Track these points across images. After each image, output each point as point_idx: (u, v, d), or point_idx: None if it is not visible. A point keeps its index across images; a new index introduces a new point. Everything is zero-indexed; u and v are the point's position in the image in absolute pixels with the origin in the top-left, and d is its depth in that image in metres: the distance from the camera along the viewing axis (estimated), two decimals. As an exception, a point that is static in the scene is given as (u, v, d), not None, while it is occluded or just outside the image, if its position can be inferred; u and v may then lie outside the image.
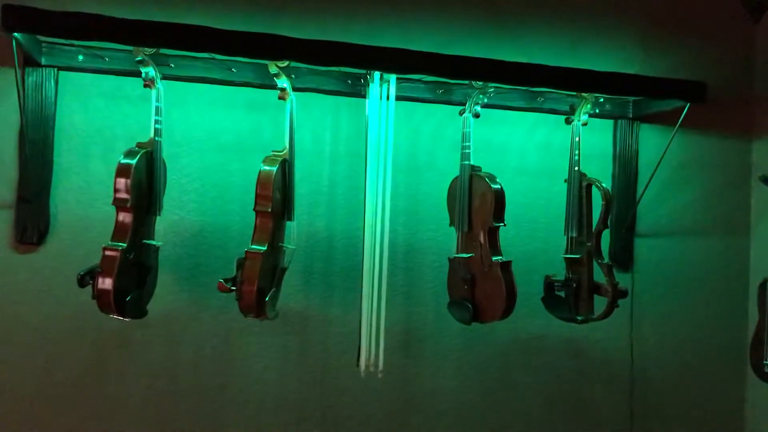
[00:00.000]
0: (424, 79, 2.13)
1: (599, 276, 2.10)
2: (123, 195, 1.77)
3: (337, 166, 2.19)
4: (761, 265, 2.46)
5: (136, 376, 2.06)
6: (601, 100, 2.27)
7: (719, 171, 2.50)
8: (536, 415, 2.36)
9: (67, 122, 2.00)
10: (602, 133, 2.38)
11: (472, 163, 2.05)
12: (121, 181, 1.76)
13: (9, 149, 1.97)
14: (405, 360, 2.25)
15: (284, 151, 1.93)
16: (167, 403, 2.08)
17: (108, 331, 2.03)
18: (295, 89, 1.96)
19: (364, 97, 2.06)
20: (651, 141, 2.40)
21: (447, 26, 2.28)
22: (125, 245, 1.77)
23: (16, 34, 1.71)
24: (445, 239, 2.22)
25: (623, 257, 2.39)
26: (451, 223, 2.11)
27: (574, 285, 2.11)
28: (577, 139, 2.13)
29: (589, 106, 2.14)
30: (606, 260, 2.13)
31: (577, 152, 2.13)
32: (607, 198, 2.07)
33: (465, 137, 2.06)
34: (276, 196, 1.86)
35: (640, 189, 2.37)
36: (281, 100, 1.94)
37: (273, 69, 1.90)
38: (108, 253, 1.76)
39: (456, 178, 2.08)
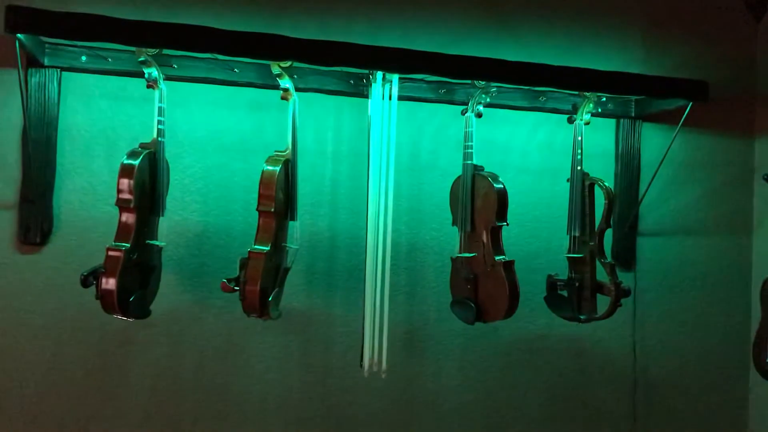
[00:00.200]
0: (426, 79, 2.13)
1: (602, 275, 2.10)
2: (126, 195, 1.77)
3: (340, 166, 2.19)
4: (764, 264, 2.46)
5: (139, 376, 2.07)
6: (604, 99, 2.27)
7: (722, 170, 2.49)
8: (539, 414, 2.36)
9: (70, 123, 2.01)
10: (604, 133, 2.38)
11: (474, 162, 2.05)
12: (124, 182, 1.76)
13: (12, 150, 1.97)
14: (407, 359, 2.25)
15: (287, 151, 1.93)
16: (170, 402, 2.09)
17: (111, 331, 2.03)
18: (297, 89, 1.96)
19: (366, 97, 2.06)
20: (653, 140, 2.40)
21: (449, 26, 2.28)
22: (128, 246, 1.77)
23: (19, 35, 1.71)
24: (448, 239, 2.22)
25: (626, 256, 2.39)
26: (454, 223, 2.11)
27: (577, 284, 2.12)
28: (579, 138, 2.13)
29: (591, 105, 2.14)
30: (609, 259, 2.12)
31: (579, 151, 2.13)
32: (610, 197, 2.07)
33: (467, 137, 2.06)
34: (279, 196, 1.86)
35: (642, 188, 2.37)
36: (284, 101, 1.94)
37: (275, 69, 1.91)
38: (111, 253, 1.76)
39: (458, 177, 2.08)
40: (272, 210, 1.85)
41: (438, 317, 2.26)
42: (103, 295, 1.75)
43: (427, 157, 2.26)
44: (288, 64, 1.91)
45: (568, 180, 2.15)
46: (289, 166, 1.94)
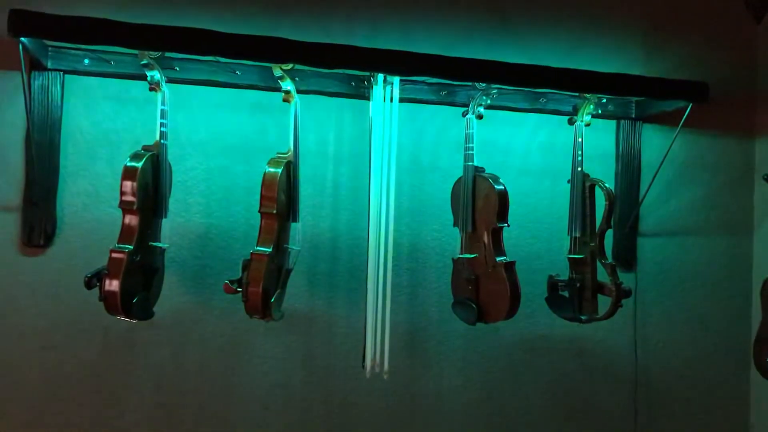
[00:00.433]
0: (427, 81, 2.14)
1: (603, 276, 2.10)
2: (129, 198, 1.78)
3: (341, 168, 2.20)
4: (764, 264, 2.46)
5: (142, 377, 2.07)
6: (604, 100, 2.28)
7: (722, 171, 2.50)
8: (540, 415, 2.36)
9: (74, 125, 2.02)
10: (605, 134, 2.39)
11: (475, 164, 2.06)
12: (128, 184, 1.77)
13: (16, 152, 1.98)
14: (409, 360, 2.25)
15: (289, 153, 1.94)
16: (173, 403, 2.09)
17: (115, 333, 2.04)
18: (299, 91, 1.97)
19: (367, 99, 2.07)
20: (653, 141, 2.40)
21: (449, 28, 2.29)
22: (132, 247, 1.78)
23: (23, 38, 1.72)
24: (449, 240, 2.23)
25: (626, 257, 2.40)
26: (455, 224, 2.12)
27: (578, 285, 2.12)
28: (579, 139, 2.14)
29: (591, 106, 2.15)
30: (609, 260, 2.13)
31: (580, 153, 2.13)
32: (610, 198, 2.08)
33: (468, 138, 2.06)
34: (281, 198, 1.87)
35: (642, 189, 2.37)
36: (285, 103, 1.95)
37: (277, 72, 1.92)
38: (115, 255, 1.77)
39: (460, 178, 2.09)
40: (274, 212, 1.85)
41: (439, 318, 2.26)
42: (106, 297, 1.76)
43: (428, 159, 2.26)
44: (290, 66, 1.92)
45: (568, 181, 2.16)
46: (291, 168, 1.94)
